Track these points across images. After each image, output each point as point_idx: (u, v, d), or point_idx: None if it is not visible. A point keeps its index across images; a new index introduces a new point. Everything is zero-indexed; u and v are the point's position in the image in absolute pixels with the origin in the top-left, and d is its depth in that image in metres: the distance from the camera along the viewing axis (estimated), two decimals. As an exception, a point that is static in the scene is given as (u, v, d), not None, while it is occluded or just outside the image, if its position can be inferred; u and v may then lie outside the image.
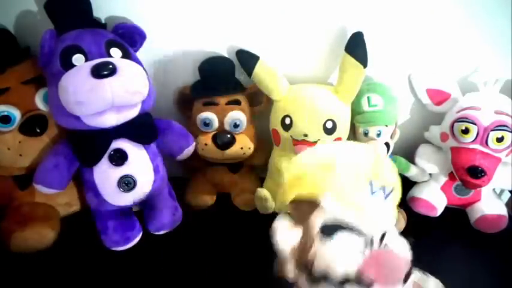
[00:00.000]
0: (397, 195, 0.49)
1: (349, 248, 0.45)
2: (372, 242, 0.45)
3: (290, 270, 0.49)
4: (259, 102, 0.82)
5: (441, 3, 0.72)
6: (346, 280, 0.44)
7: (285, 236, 0.49)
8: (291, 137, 0.74)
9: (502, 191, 0.88)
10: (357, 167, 0.48)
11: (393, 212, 0.50)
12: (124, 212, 0.74)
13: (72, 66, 0.61)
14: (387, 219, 0.49)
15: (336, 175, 0.47)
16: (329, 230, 0.46)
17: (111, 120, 0.63)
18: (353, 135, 0.80)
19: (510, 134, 0.69)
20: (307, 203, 0.49)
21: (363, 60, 0.70)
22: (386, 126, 0.76)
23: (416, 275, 0.49)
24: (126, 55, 0.67)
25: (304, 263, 0.46)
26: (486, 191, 0.80)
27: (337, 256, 0.45)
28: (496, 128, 0.69)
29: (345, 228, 0.45)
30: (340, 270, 0.45)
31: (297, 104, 0.73)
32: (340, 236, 0.45)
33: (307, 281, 0.46)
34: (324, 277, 0.45)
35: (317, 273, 0.46)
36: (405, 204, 0.82)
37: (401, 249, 0.46)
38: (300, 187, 0.50)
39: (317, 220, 0.47)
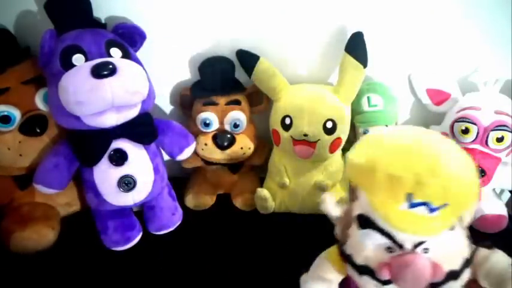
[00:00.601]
0: (457, 210, 0.44)
1: (375, 244, 0.46)
2: (401, 245, 0.45)
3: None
4: (259, 102, 0.82)
5: (441, 3, 0.72)
6: (365, 270, 0.46)
7: (330, 208, 0.55)
8: (291, 137, 0.74)
9: (502, 191, 0.88)
10: (392, 179, 0.42)
11: (444, 225, 0.44)
12: (124, 212, 0.74)
13: (72, 66, 0.61)
14: (430, 230, 0.44)
15: (375, 181, 0.43)
16: (363, 221, 0.48)
17: (111, 120, 0.63)
18: (353, 135, 0.80)
19: (510, 134, 0.69)
20: (354, 189, 0.51)
21: (363, 60, 0.70)
22: (387, 126, 0.76)
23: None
24: (126, 55, 0.67)
25: (343, 237, 0.50)
26: (486, 191, 0.80)
27: (361, 247, 0.47)
28: (496, 128, 0.69)
29: (375, 227, 0.46)
30: (359, 261, 0.47)
31: (297, 104, 0.73)
32: (368, 232, 0.47)
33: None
34: (349, 259, 0.48)
35: (346, 252, 0.49)
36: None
37: (445, 260, 0.45)
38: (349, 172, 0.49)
39: (355, 208, 0.50)
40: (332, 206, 0.56)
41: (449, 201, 0.41)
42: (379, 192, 0.44)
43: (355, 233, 0.49)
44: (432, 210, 0.42)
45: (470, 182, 0.42)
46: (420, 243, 0.45)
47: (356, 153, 0.47)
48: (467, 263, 0.47)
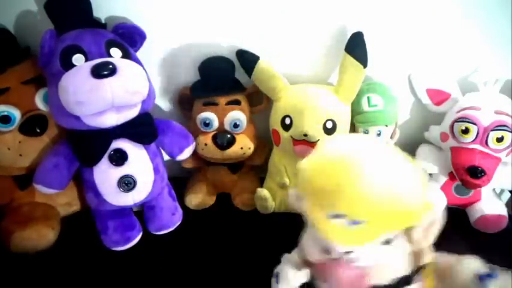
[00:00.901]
0: (380, 228, 0.43)
1: (315, 244, 0.50)
2: (329, 250, 0.47)
3: None
4: (259, 102, 0.82)
5: (441, 3, 0.72)
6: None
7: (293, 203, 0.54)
8: (291, 137, 0.74)
9: (502, 191, 0.88)
10: (317, 187, 0.44)
11: (366, 239, 0.44)
12: (124, 212, 0.74)
13: (72, 66, 0.61)
14: (350, 241, 0.44)
15: (305, 187, 0.46)
16: (307, 222, 0.51)
17: (111, 120, 0.63)
18: (353, 135, 0.80)
19: (510, 134, 0.69)
20: None
21: (363, 60, 0.70)
22: (386, 126, 0.76)
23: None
24: (126, 55, 0.67)
25: None
26: (486, 191, 0.80)
27: (308, 244, 0.53)
28: (496, 128, 0.69)
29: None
30: (309, 256, 0.53)
31: (297, 104, 0.73)
32: (311, 232, 0.51)
33: None
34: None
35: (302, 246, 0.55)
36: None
37: (373, 273, 0.46)
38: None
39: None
40: (293, 201, 0.56)
41: (366, 219, 0.41)
42: (309, 199, 0.46)
43: (308, 229, 0.53)
44: (350, 223, 0.42)
45: (397, 203, 0.41)
46: (349, 251, 0.45)
47: (304, 160, 0.48)
48: (404, 281, 0.47)
